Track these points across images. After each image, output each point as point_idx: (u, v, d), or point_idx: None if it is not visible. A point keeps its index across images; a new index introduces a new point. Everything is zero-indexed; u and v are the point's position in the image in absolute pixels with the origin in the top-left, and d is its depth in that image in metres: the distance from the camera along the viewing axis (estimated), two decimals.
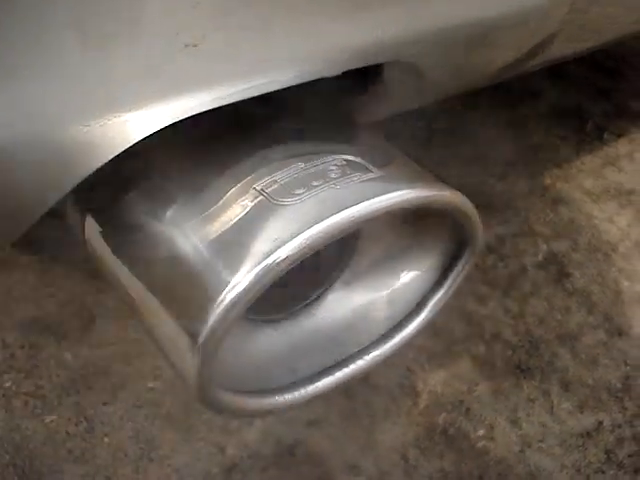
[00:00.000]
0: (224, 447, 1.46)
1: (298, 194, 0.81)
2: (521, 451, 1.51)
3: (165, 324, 0.83)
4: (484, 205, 1.89)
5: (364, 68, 0.91)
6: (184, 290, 0.81)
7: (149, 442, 1.46)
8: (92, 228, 0.94)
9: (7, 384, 1.53)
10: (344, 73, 0.88)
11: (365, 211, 0.80)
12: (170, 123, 0.75)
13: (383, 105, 1.07)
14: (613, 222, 1.95)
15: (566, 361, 1.65)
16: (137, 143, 0.75)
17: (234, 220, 0.81)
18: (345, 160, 0.87)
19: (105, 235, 0.92)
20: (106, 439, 1.47)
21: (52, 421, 1.48)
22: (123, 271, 0.88)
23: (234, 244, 0.79)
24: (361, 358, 1.06)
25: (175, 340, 0.81)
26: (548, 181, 2.05)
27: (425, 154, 2.10)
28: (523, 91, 2.36)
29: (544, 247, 1.86)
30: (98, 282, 1.71)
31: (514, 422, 1.55)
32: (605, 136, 2.23)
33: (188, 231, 0.83)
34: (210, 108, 0.77)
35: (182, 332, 0.79)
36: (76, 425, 1.48)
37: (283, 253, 0.76)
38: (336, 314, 1.09)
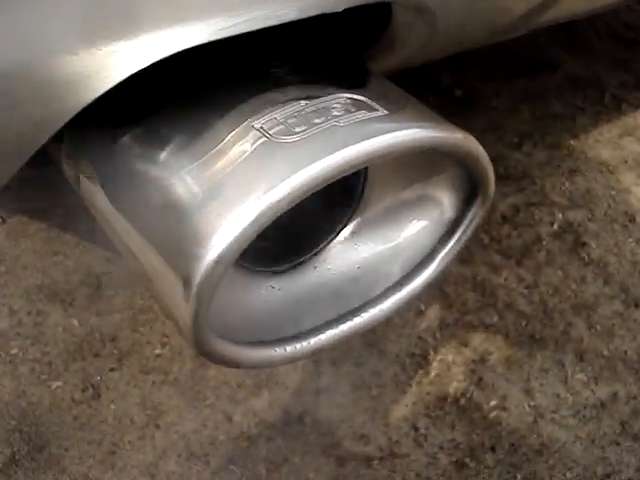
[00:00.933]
0: (231, 415, 1.44)
1: (298, 132, 0.77)
2: (534, 422, 1.48)
3: (160, 269, 0.80)
4: (499, 175, 1.85)
5: (373, 12, 0.87)
6: (179, 233, 0.78)
7: (156, 408, 1.45)
8: (87, 177, 0.91)
9: (14, 351, 1.52)
10: (354, 19, 0.84)
11: (370, 149, 0.76)
12: (165, 56, 0.72)
13: (394, 54, 1.02)
14: (631, 192, 1.90)
15: (581, 331, 1.61)
16: (132, 83, 0.72)
17: (230, 160, 0.77)
18: (349, 99, 0.83)
19: (100, 183, 0.89)
20: (112, 406, 1.45)
21: (58, 387, 1.47)
22: (118, 217, 0.86)
23: (229, 184, 0.75)
24: (366, 311, 1.03)
25: (170, 284, 0.78)
26: (565, 151, 2.00)
27: None
28: (541, 62, 2.31)
29: (560, 217, 1.82)
30: (106, 250, 1.69)
31: (527, 392, 1.52)
32: (623, 107, 2.18)
33: (182, 173, 0.80)
34: (207, 41, 0.73)
35: (177, 276, 0.76)
36: (82, 391, 1.47)
37: (281, 193, 0.72)
38: (341, 267, 1.06)
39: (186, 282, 0.74)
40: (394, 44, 0.99)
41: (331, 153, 0.74)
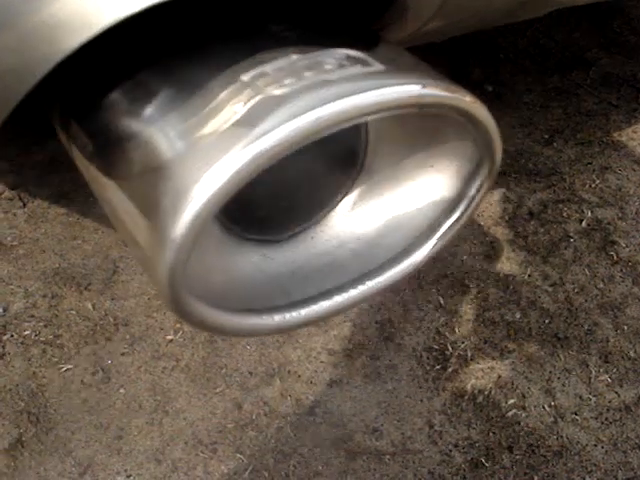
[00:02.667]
0: (241, 403, 1.42)
1: (287, 84, 0.74)
2: (554, 422, 1.43)
3: (141, 225, 0.77)
4: (528, 170, 1.81)
5: None
6: (160, 188, 0.75)
7: (165, 394, 1.42)
8: (76, 136, 0.89)
9: (27, 332, 1.51)
10: None
11: (360, 104, 0.72)
12: (155, 2, 0.69)
13: (406, 23, 0.98)
14: None
15: (607, 332, 1.55)
16: (126, 38, 0.69)
17: (215, 113, 0.74)
18: (345, 55, 0.79)
19: (87, 140, 0.87)
20: (122, 390, 1.43)
21: (68, 370, 1.45)
22: (103, 175, 0.83)
23: (212, 137, 0.72)
24: (363, 283, 0.99)
25: (149, 241, 0.75)
26: (596, 148, 1.94)
27: None
28: (575, 59, 2.25)
29: (589, 214, 1.76)
30: None
31: (548, 392, 1.46)
32: None
33: (166, 127, 0.77)
34: None
35: (155, 231, 0.73)
36: (92, 375, 1.45)
37: (262, 146, 0.69)
38: (340, 238, 1.02)
39: (163, 237, 0.71)
40: (406, 12, 0.95)
41: (318, 106, 0.70)
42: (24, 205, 1.76)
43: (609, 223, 1.75)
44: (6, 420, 1.37)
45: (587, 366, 1.50)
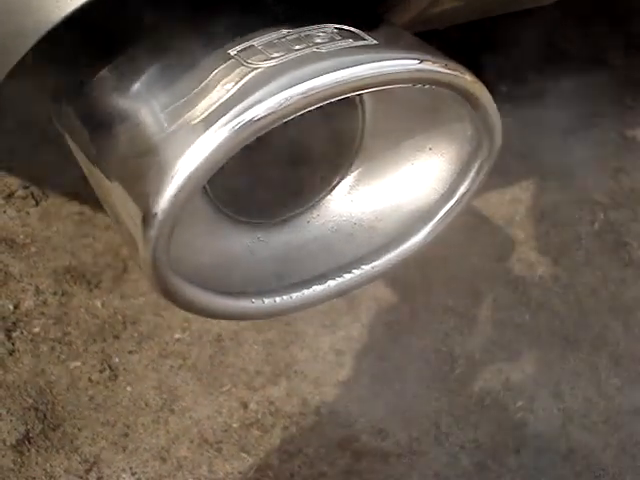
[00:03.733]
0: (247, 402, 1.42)
1: (275, 57, 0.73)
2: (562, 426, 1.41)
3: (126, 202, 0.77)
4: (541, 171, 1.79)
5: None
6: (145, 163, 0.74)
7: (172, 393, 1.43)
8: (68, 117, 0.89)
9: (36, 329, 1.52)
10: None
11: (350, 77, 0.71)
12: None
13: (407, 8, 0.97)
14: None
15: (618, 334, 1.54)
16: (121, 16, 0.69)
17: (200, 87, 0.74)
18: (337, 29, 0.78)
19: (77, 120, 0.87)
20: (129, 388, 1.43)
21: (76, 367, 1.46)
22: (92, 152, 0.83)
23: (196, 111, 0.72)
24: (358, 268, 0.98)
25: (133, 219, 0.75)
26: (610, 150, 1.92)
27: None
28: (592, 59, 2.23)
29: (601, 216, 1.75)
30: None
31: (557, 395, 1.45)
32: None
33: (152, 101, 0.77)
34: None
35: (139, 207, 0.73)
36: (100, 372, 1.46)
37: (242, 119, 0.68)
38: (336, 222, 1.01)
39: (146, 212, 0.71)
40: None
41: (304, 80, 0.70)
42: (37, 203, 1.77)
43: (621, 225, 1.73)
44: (14, 416, 1.38)
45: (597, 369, 1.49)
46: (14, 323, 1.52)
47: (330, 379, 1.46)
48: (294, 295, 0.92)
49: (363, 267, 0.98)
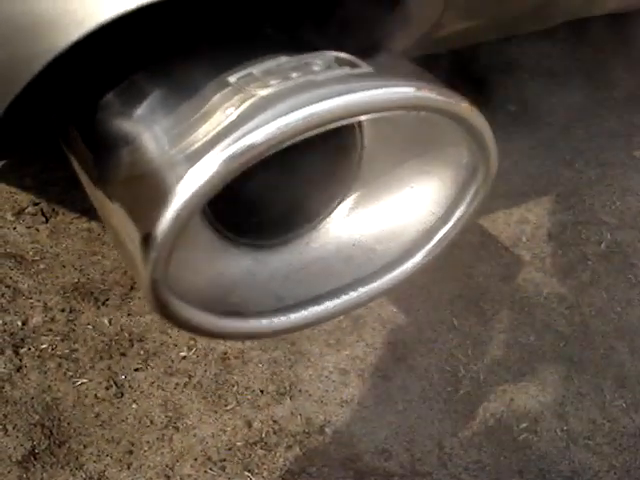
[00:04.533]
0: (251, 421, 1.42)
1: (272, 85, 0.75)
2: (566, 447, 1.41)
3: (126, 224, 0.79)
4: (548, 191, 1.80)
5: None
6: (145, 187, 0.76)
7: (177, 410, 1.43)
8: (73, 141, 0.91)
9: (44, 346, 1.53)
10: None
11: (343, 105, 0.73)
12: (142, 4, 0.70)
13: (410, 30, 0.98)
14: None
15: (623, 356, 1.53)
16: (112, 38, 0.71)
17: (200, 113, 0.76)
18: (334, 57, 0.80)
19: (81, 144, 0.89)
20: (134, 405, 1.44)
21: (83, 384, 1.47)
22: (96, 175, 0.85)
23: (196, 136, 0.73)
24: (355, 289, 0.99)
25: (133, 240, 0.77)
26: (618, 170, 1.93)
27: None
28: (600, 79, 2.24)
29: (608, 236, 1.75)
30: None
31: (561, 416, 1.45)
32: None
33: (154, 125, 0.78)
34: None
35: (139, 229, 0.75)
36: (106, 389, 1.47)
37: (238, 145, 0.70)
38: (336, 244, 1.03)
39: (146, 235, 0.73)
40: (409, 17, 0.94)
41: (299, 108, 0.71)
42: (47, 220, 1.79)
43: (628, 245, 1.73)
44: (20, 432, 1.39)
45: (602, 390, 1.49)
46: (22, 339, 1.54)
47: (334, 398, 1.47)
48: (292, 316, 0.93)
49: (361, 289, 0.99)
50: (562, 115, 2.11)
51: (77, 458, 1.37)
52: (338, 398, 1.47)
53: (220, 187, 0.72)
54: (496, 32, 1.24)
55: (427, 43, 1.06)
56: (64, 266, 1.70)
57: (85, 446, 1.39)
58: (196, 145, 0.73)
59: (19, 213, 1.79)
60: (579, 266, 1.70)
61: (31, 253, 1.71)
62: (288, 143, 0.73)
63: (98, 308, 1.61)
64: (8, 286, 1.64)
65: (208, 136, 0.73)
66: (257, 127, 0.71)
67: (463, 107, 0.83)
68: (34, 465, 1.36)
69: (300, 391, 1.47)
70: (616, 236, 1.75)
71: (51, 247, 1.74)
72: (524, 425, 1.43)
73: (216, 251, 0.94)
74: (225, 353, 1.52)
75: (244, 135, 0.71)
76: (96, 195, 0.87)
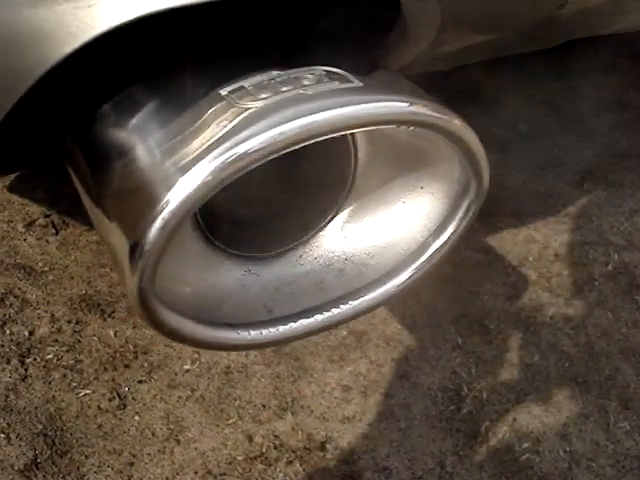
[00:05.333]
0: (252, 435, 1.42)
1: (262, 98, 0.76)
2: (568, 468, 1.40)
3: (116, 232, 0.80)
4: (556, 211, 1.80)
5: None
6: (136, 197, 0.78)
7: (178, 423, 1.44)
8: (71, 152, 0.93)
9: (49, 356, 1.55)
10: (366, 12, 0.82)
11: (332, 119, 0.74)
12: (146, 13, 0.71)
13: (408, 47, 0.99)
14: None
15: (628, 377, 1.52)
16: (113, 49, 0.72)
17: (191, 124, 0.78)
18: (325, 71, 0.81)
19: (79, 154, 0.91)
20: (136, 417, 1.45)
21: (86, 395, 1.48)
22: (90, 184, 0.86)
23: (183, 148, 0.75)
24: (346, 303, 1.00)
25: (122, 248, 0.78)
26: (627, 191, 1.92)
27: (502, 155, 2.02)
28: (609, 100, 2.24)
29: (615, 257, 1.74)
30: None
31: (564, 437, 1.44)
32: None
33: (147, 138, 0.80)
34: (185, 4, 0.72)
35: (128, 238, 0.76)
36: (109, 401, 1.47)
37: (225, 157, 0.71)
38: (328, 257, 1.04)
39: (134, 244, 0.74)
40: (406, 35, 0.95)
41: (286, 121, 0.72)
42: (56, 232, 1.81)
43: (636, 267, 1.73)
44: (23, 441, 1.40)
45: (606, 412, 1.48)
46: (28, 349, 1.55)
47: (336, 415, 1.47)
48: (281, 328, 0.94)
49: (351, 302, 1.00)
50: (573, 135, 2.11)
51: (78, 468, 1.38)
52: (340, 414, 1.47)
53: (207, 197, 0.73)
54: (496, 50, 1.24)
55: (427, 61, 1.07)
56: (72, 278, 1.72)
57: (87, 457, 1.40)
58: (187, 157, 0.75)
59: (30, 224, 1.81)
60: (585, 287, 1.69)
61: (40, 264, 1.73)
62: (277, 155, 0.74)
63: (104, 320, 1.62)
64: (17, 296, 1.66)
65: (198, 148, 0.74)
66: (245, 139, 0.72)
67: (455, 123, 0.84)
68: (36, 474, 1.36)
69: (302, 407, 1.47)
70: (623, 257, 1.75)
71: (60, 259, 1.76)
72: (526, 445, 1.43)
73: (208, 262, 0.95)
74: (228, 367, 1.52)
75: (232, 147, 0.72)
76: (91, 206, 0.89)
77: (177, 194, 0.73)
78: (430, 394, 1.50)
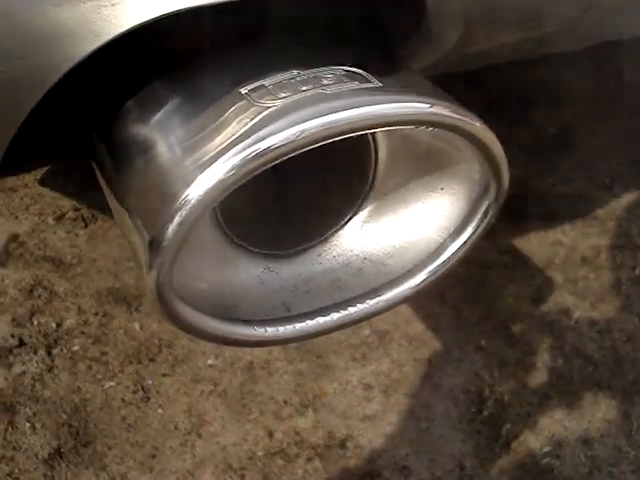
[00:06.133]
0: (273, 431, 1.43)
1: (282, 97, 0.77)
2: (589, 474, 1.39)
3: (136, 228, 0.82)
4: (585, 214, 1.78)
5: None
6: (157, 194, 0.79)
7: (200, 417, 1.45)
8: (97, 150, 0.94)
9: (75, 348, 1.57)
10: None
11: (349, 118, 0.75)
12: (167, 13, 0.73)
13: (432, 49, 0.99)
14: None
15: None
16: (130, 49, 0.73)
17: (211, 122, 0.79)
18: (345, 71, 0.82)
19: (103, 152, 0.92)
20: (159, 410, 1.47)
21: (111, 387, 1.50)
22: (113, 181, 0.88)
23: (201, 146, 0.76)
24: (363, 302, 1.01)
25: (141, 244, 0.79)
26: None
27: (532, 157, 2.01)
28: None
29: None
30: None
31: (585, 442, 1.43)
32: None
33: (167, 134, 0.81)
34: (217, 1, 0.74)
35: (148, 234, 0.78)
36: (133, 393, 1.49)
37: (242, 156, 0.72)
38: (347, 257, 1.04)
39: (153, 239, 0.75)
40: (430, 35, 0.96)
41: (304, 120, 0.73)
42: (86, 226, 1.83)
43: None
44: (48, 431, 1.42)
45: (629, 417, 1.46)
46: (55, 341, 1.57)
47: (357, 413, 1.47)
48: (297, 325, 0.95)
49: (368, 302, 1.01)
50: (603, 139, 2.08)
51: (101, 459, 1.40)
52: (361, 413, 1.47)
53: (225, 194, 0.75)
54: (522, 52, 1.24)
55: (453, 61, 1.07)
56: (100, 271, 1.74)
57: (110, 448, 1.42)
58: (205, 155, 0.76)
59: (60, 218, 1.84)
60: (612, 291, 1.68)
61: (69, 257, 1.76)
62: (293, 154, 0.75)
63: (130, 313, 1.64)
64: (45, 288, 1.68)
65: (218, 146, 0.75)
66: (263, 138, 0.73)
67: (476, 126, 0.84)
68: (59, 464, 1.39)
69: (323, 404, 1.48)
70: None
71: (89, 252, 1.79)
72: (547, 449, 1.42)
73: (227, 259, 0.96)
74: (251, 363, 1.54)
75: (250, 145, 0.73)
76: (113, 203, 0.90)
77: (195, 191, 0.74)
78: (452, 395, 1.50)
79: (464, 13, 0.89)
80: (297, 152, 0.75)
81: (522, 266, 1.74)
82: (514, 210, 1.86)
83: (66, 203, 1.88)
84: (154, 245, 0.76)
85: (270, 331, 0.93)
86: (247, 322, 0.92)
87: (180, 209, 0.74)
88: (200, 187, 0.74)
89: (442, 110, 0.81)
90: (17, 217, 1.82)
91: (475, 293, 1.68)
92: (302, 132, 0.73)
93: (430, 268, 1.03)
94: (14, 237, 1.77)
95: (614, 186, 1.94)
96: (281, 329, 0.94)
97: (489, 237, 1.76)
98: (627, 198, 1.89)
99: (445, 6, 0.89)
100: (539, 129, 2.15)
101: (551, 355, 1.56)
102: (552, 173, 2.00)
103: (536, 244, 1.79)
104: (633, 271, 1.71)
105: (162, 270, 0.77)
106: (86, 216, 1.86)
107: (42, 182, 1.89)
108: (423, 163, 0.99)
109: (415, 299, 1.50)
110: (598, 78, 2.26)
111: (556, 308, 1.64)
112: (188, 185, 0.74)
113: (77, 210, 1.86)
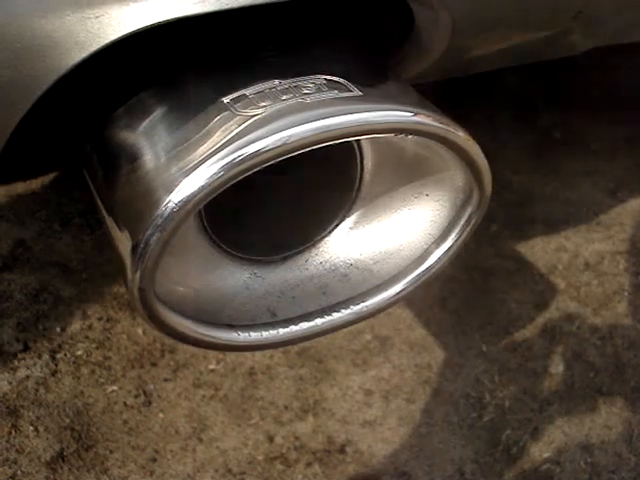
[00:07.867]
0: (273, 436, 1.44)
1: (262, 106, 0.79)
2: None
3: (122, 234, 0.83)
4: (589, 220, 1.78)
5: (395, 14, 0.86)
6: (140, 200, 0.81)
7: (201, 422, 1.46)
8: (88, 158, 0.96)
9: (79, 352, 1.59)
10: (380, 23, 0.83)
11: (327, 127, 0.76)
12: (152, 24, 0.74)
13: (421, 57, 1.00)
14: None
15: None
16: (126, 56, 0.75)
17: (194, 131, 0.80)
18: (327, 80, 0.83)
19: (94, 160, 0.94)
20: (161, 414, 1.48)
21: (113, 391, 1.51)
22: (100, 187, 0.89)
23: (187, 153, 0.77)
24: (348, 307, 1.01)
25: (125, 248, 0.81)
26: None
27: (536, 163, 2.01)
28: None
29: None
30: None
31: (585, 448, 1.43)
32: None
33: (154, 142, 0.83)
34: (193, 13, 0.75)
35: (131, 238, 0.79)
36: (135, 397, 1.51)
37: (220, 164, 0.74)
38: (334, 262, 1.05)
39: (136, 244, 0.77)
40: (419, 44, 0.97)
41: (282, 129, 0.75)
42: (92, 232, 1.85)
43: None
44: (51, 434, 1.44)
45: (630, 424, 1.46)
46: (59, 345, 1.59)
47: (357, 418, 1.48)
48: (281, 330, 0.96)
49: (352, 307, 1.02)
50: (608, 144, 2.08)
51: (103, 462, 1.41)
52: (361, 418, 1.48)
53: (206, 201, 0.76)
54: (512, 59, 1.24)
55: (444, 68, 1.08)
56: (105, 276, 1.75)
57: (111, 451, 1.43)
58: (186, 162, 0.77)
59: (66, 224, 1.86)
60: (615, 297, 1.68)
61: (75, 262, 1.77)
62: (272, 162, 0.76)
63: (134, 318, 1.65)
64: (51, 293, 1.70)
65: (200, 154, 0.77)
66: (243, 146, 0.75)
67: (458, 135, 0.85)
68: (62, 467, 1.40)
69: (324, 409, 1.49)
70: None
71: (94, 257, 1.80)
72: (547, 455, 1.42)
73: (214, 265, 0.97)
74: (252, 368, 1.55)
75: (230, 153, 0.75)
76: (100, 209, 0.92)
77: (177, 197, 0.75)
78: (452, 401, 1.50)
79: (452, 22, 0.90)
80: (276, 160, 0.76)
81: (525, 272, 1.74)
82: (517, 215, 1.86)
83: (72, 209, 1.90)
84: (136, 251, 0.77)
85: (254, 336, 0.94)
86: (231, 327, 0.93)
87: (162, 215, 0.75)
88: (181, 193, 0.75)
89: (424, 119, 0.82)
90: (23, 222, 1.84)
91: (477, 299, 1.69)
92: (280, 140, 0.75)
93: (414, 275, 1.04)
94: (20, 242, 1.79)
95: (618, 191, 1.93)
96: (265, 334, 0.95)
97: (491, 242, 1.77)
98: (631, 204, 1.89)
99: (432, 15, 0.90)
100: (543, 134, 2.15)
101: (552, 361, 1.56)
102: (556, 178, 2.00)
103: (539, 249, 1.79)
104: (636, 277, 1.71)
105: (145, 275, 0.78)
106: (92, 222, 1.87)
107: (48, 188, 1.91)
108: (408, 170, 1.00)
109: (416, 305, 1.52)
110: (603, 83, 2.26)
111: (558, 314, 1.64)
112: (170, 191, 0.75)
113: (83, 216, 1.88)
